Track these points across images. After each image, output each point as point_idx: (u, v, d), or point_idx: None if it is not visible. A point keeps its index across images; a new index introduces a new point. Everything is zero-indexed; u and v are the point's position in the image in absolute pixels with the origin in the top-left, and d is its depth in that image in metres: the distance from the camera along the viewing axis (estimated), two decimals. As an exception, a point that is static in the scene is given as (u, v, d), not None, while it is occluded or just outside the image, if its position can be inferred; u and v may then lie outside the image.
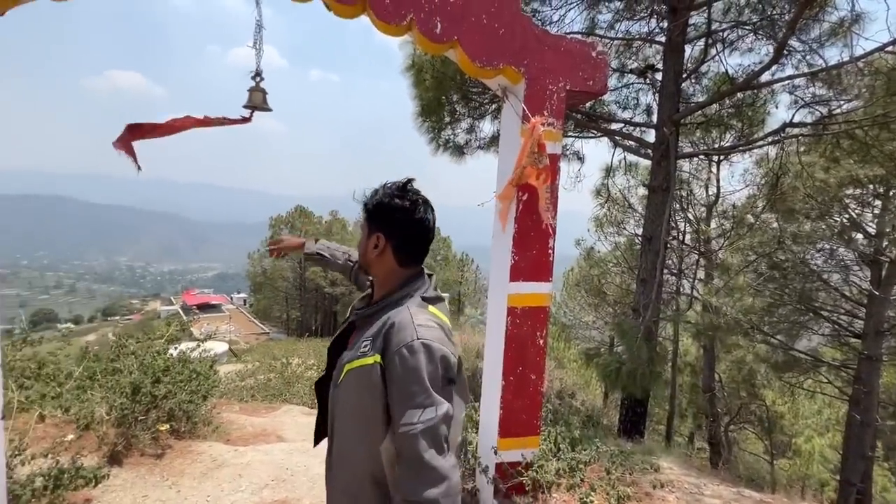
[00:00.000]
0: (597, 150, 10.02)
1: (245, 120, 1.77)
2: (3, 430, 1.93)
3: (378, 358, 0.93)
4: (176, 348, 3.60)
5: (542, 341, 2.02)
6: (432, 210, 1.08)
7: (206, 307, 46.15)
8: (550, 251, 2.03)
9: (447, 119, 6.70)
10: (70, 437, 2.63)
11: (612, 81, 8.05)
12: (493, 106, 8.02)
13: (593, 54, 1.94)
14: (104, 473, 2.28)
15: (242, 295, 52.52)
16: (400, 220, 1.04)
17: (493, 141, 8.14)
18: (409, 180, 1.09)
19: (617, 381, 3.96)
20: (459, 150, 6.90)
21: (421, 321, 0.95)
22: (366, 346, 0.96)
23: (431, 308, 1.02)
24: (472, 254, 27.95)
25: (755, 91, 7.02)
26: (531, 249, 2.01)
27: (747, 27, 6.36)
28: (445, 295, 1.19)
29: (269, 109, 1.84)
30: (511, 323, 2.01)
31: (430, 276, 1.10)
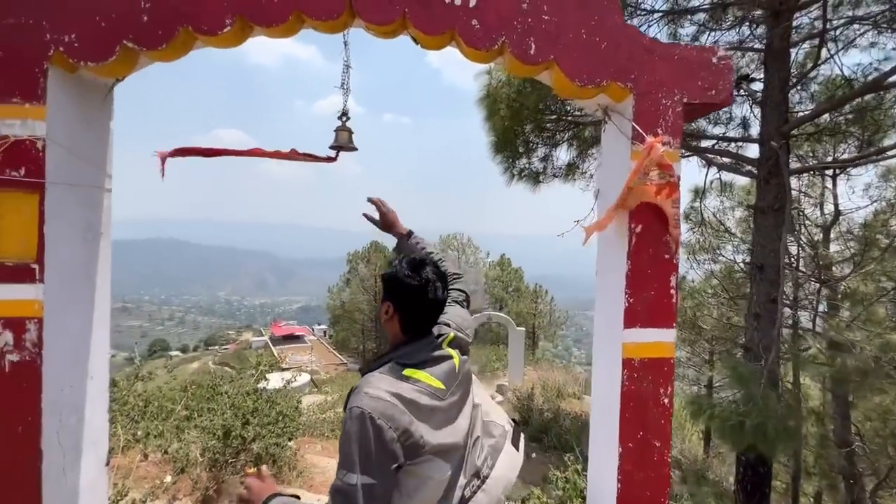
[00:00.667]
0: (685, 171, 9.27)
1: (331, 159, 1.78)
2: (107, 476, 1.99)
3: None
4: (266, 380, 3.66)
5: (667, 400, 1.68)
6: (444, 287, 1.20)
7: (290, 338, 49.14)
8: (673, 291, 1.71)
9: (521, 149, 6.56)
10: (168, 478, 2.68)
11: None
12: (568, 134, 7.76)
13: (714, 60, 1.66)
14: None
15: (323, 326, 55.33)
16: (409, 296, 1.17)
17: (570, 169, 7.83)
18: (427, 256, 1.24)
19: (740, 437, 3.33)
20: (535, 179, 6.70)
21: (372, 390, 1.02)
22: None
23: (412, 371, 1.09)
24: (545, 284, 27.00)
25: (881, 93, 6.07)
26: (649, 289, 1.71)
27: (867, 21, 5.57)
28: (452, 352, 1.21)
29: (355, 149, 1.80)
30: (627, 377, 1.69)
31: (439, 336, 1.22)
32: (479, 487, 1.21)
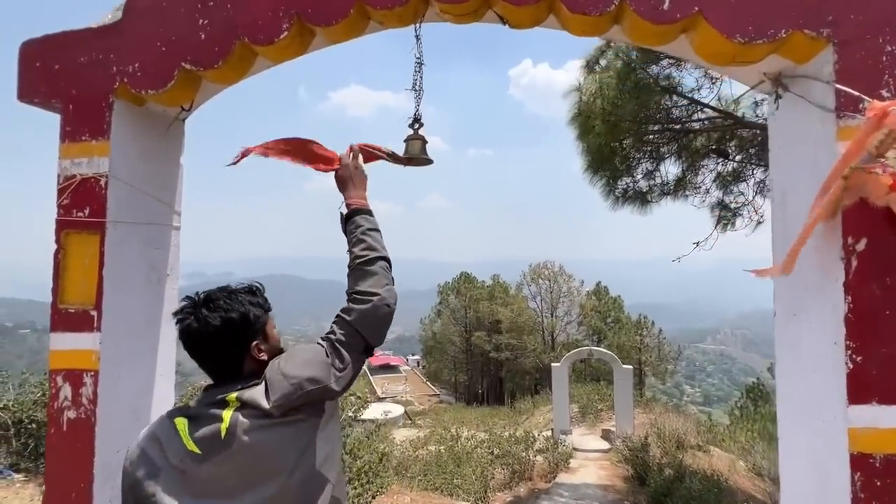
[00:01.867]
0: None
1: (400, 160, 1.50)
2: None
3: None
4: (366, 407, 3.45)
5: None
6: (194, 324, 1.00)
7: (386, 367, 50.59)
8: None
9: (622, 167, 5.85)
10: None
11: None
12: (674, 145, 6.84)
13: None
14: None
15: (416, 357, 56.22)
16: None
17: (680, 184, 6.85)
18: (207, 293, 1.07)
19: None
20: (642, 199, 5.89)
21: (145, 429, 1.03)
22: None
23: (180, 420, 0.97)
24: (648, 313, 24.43)
25: None
26: (888, 343, 1.07)
27: None
28: (225, 413, 0.95)
29: (430, 161, 1.46)
30: (863, 486, 1.04)
31: (212, 386, 1.03)
32: None
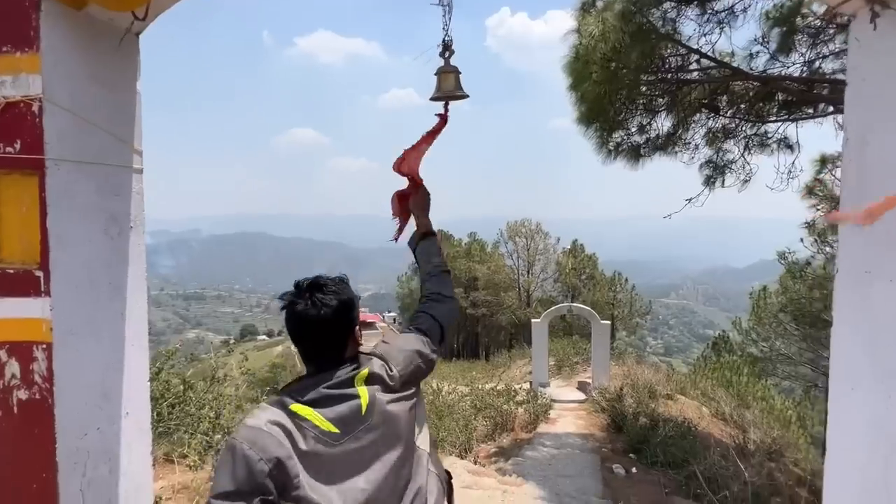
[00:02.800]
0: (815, 136, 7.65)
1: (443, 120, 1.39)
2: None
3: None
4: None
5: None
6: (320, 306, 1.03)
7: (363, 324, 50.89)
8: None
9: (618, 118, 5.62)
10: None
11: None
12: (668, 99, 6.65)
13: None
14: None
15: (393, 314, 56.70)
16: (286, 322, 1.07)
17: (670, 140, 6.71)
18: (310, 283, 1.09)
19: None
20: (635, 154, 5.72)
21: (251, 420, 0.98)
22: None
23: (299, 407, 0.98)
24: (619, 270, 25.11)
25: None
26: None
27: None
28: (362, 390, 1.02)
29: (466, 95, 1.21)
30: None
31: (356, 368, 1.05)
32: None
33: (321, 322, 1.02)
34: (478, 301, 27.75)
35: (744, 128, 7.19)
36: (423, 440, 1.13)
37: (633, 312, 22.03)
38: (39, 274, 1.19)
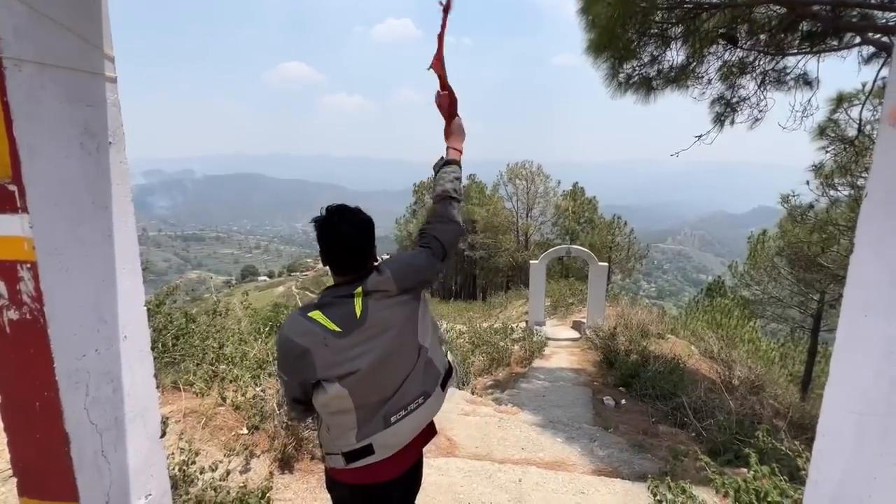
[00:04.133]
0: (835, 72, 7.25)
1: (446, 9, 1.44)
2: (163, 449, 1.65)
3: None
4: None
5: None
6: (346, 229, 1.30)
7: (362, 266, 51.66)
8: None
9: (630, 46, 5.25)
10: (244, 430, 2.40)
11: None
12: (682, 28, 6.20)
13: None
14: (269, 486, 1.93)
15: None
16: (319, 240, 1.33)
17: (682, 73, 6.35)
18: (338, 207, 1.35)
19: None
20: (646, 86, 5.42)
21: (287, 321, 1.33)
22: None
23: (314, 312, 1.29)
24: (622, 215, 25.00)
25: None
26: None
27: None
28: (357, 297, 1.30)
29: None
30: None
31: (341, 283, 1.35)
32: (404, 416, 1.35)
33: (350, 237, 1.28)
34: (476, 244, 27.88)
35: (761, 61, 6.79)
36: (423, 336, 1.38)
37: (631, 256, 22.22)
38: (13, 188, 1.10)
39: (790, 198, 10.08)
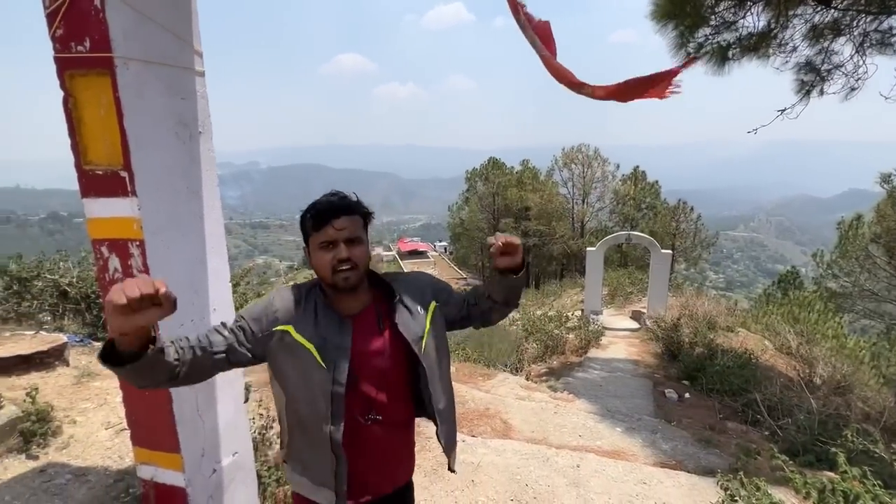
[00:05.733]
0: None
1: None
2: (246, 413, 1.81)
3: (434, 303, 1.18)
4: None
5: None
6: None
7: (415, 253, 52.67)
8: None
9: (702, 11, 4.84)
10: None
11: None
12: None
13: None
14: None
15: (444, 243, 57.82)
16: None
17: (762, 40, 5.77)
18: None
19: None
20: (721, 56, 4.98)
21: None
22: (418, 304, 1.16)
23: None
24: (688, 201, 23.45)
25: None
26: None
27: None
28: None
29: None
30: None
31: None
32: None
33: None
34: (529, 231, 27.40)
35: (861, 21, 6.02)
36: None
37: (697, 244, 20.85)
38: (125, 175, 1.25)
39: (891, 178, 8.96)
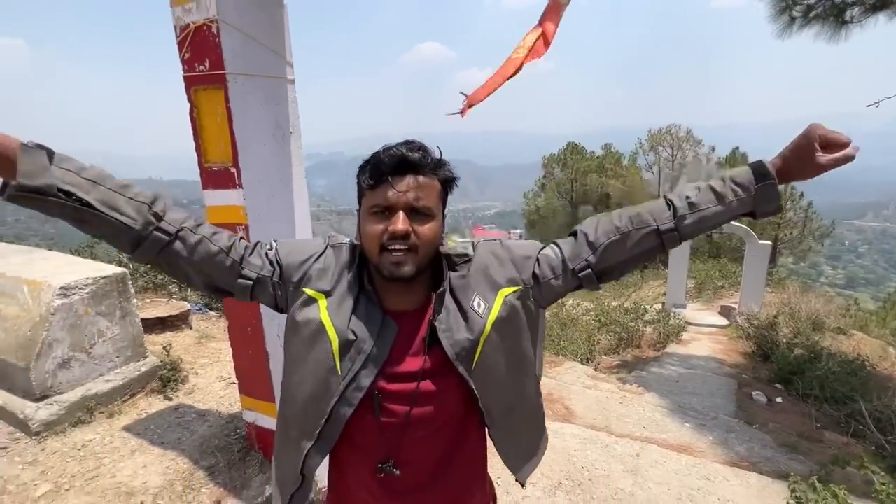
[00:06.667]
0: None
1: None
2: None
3: (512, 287, 0.82)
4: None
5: None
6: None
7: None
8: None
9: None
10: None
11: None
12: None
13: None
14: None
15: (519, 231, 57.12)
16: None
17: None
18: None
19: None
20: (836, 17, 4.36)
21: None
22: (484, 291, 0.80)
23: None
24: (799, 185, 20.69)
25: None
26: None
27: None
28: None
29: None
30: None
31: None
32: None
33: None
34: (611, 218, 26.10)
35: None
36: None
37: (807, 234, 18.44)
38: (233, 170, 1.52)
39: None
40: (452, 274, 0.81)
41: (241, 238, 0.83)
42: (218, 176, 1.55)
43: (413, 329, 0.78)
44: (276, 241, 0.85)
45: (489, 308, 0.78)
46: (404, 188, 0.71)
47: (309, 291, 0.78)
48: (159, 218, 0.74)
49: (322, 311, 0.76)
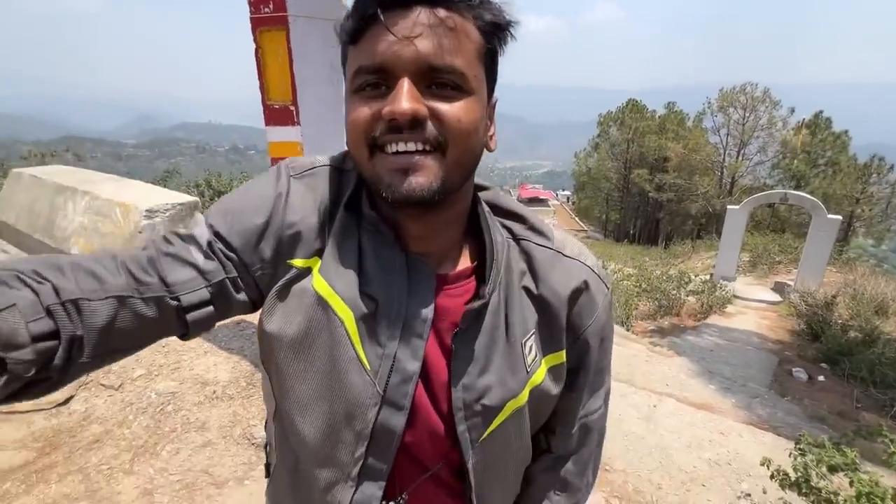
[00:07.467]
0: None
1: None
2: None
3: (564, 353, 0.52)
4: None
5: None
6: None
7: (536, 200, 51.60)
8: None
9: None
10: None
11: None
12: None
13: None
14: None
15: (567, 192, 55.36)
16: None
17: None
18: None
19: None
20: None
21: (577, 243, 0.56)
22: (535, 340, 0.50)
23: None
24: (885, 155, 18.54)
25: None
26: None
27: None
28: None
29: None
30: None
31: None
32: None
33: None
34: (664, 185, 24.76)
35: None
36: None
37: (890, 213, 16.75)
38: (293, 108, 1.67)
39: None
40: (514, 248, 0.52)
41: (166, 253, 0.45)
42: (279, 113, 1.71)
43: (463, 296, 0.50)
44: (203, 215, 0.49)
45: (538, 361, 0.51)
46: (408, 28, 0.39)
47: (298, 262, 0.47)
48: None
49: (316, 278, 0.46)
